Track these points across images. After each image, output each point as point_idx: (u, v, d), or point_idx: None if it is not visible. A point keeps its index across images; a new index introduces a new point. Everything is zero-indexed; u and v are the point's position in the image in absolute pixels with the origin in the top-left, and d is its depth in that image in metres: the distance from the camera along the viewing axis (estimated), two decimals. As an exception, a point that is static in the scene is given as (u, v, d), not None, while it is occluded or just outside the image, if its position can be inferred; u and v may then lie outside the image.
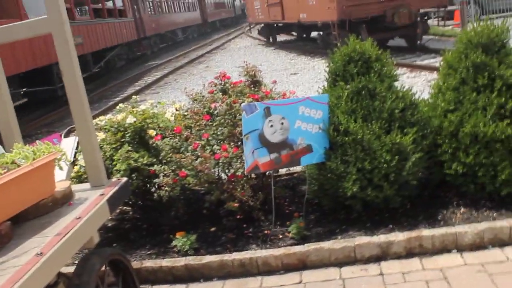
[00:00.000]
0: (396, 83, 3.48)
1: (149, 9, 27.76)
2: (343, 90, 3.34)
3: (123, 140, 3.59)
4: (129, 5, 22.80)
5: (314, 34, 18.64)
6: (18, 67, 10.45)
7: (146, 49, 26.89)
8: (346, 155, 3.16)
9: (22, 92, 11.76)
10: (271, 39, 24.34)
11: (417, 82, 9.41)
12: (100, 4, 18.23)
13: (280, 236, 3.29)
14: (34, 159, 2.21)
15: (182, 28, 36.93)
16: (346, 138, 3.16)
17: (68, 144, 3.37)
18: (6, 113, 2.69)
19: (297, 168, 4.01)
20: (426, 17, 14.42)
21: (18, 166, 2.14)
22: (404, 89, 3.47)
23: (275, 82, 4.06)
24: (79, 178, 3.40)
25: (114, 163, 3.43)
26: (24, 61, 10.74)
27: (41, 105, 13.33)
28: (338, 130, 3.22)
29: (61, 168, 2.58)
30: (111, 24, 19.11)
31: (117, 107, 3.97)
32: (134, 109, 3.75)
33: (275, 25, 22.39)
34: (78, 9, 16.22)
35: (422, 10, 13.84)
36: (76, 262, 2.40)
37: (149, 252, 3.38)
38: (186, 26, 38.14)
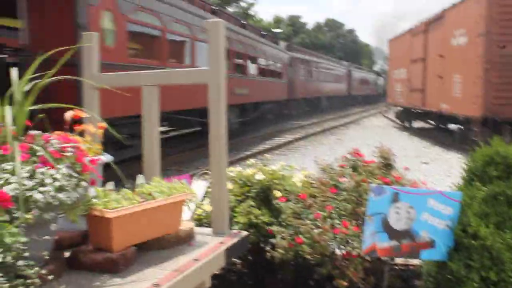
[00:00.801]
0: (538, 195, 3.27)
1: (301, 75, 31.62)
2: (479, 191, 3.19)
3: (248, 194, 3.70)
4: (285, 69, 26.74)
5: (452, 126, 18.11)
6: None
7: (293, 110, 30.36)
8: (470, 259, 2.98)
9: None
10: (406, 123, 24.01)
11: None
12: (265, 65, 22.23)
13: (384, 327, 3.15)
14: (168, 195, 2.37)
15: (327, 96, 40.31)
16: (474, 242, 2.99)
17: (198, 187, 3.55)
18: (152, 146, 2.92)
19: (414, 261, 3.84)
20: None
21: (154, 198, 2.30)
22: (546, 203, 3.24)
23: (407, 168, 3.99)
24: (200, 222, 3.53)
25: (235, 214, 3.54)
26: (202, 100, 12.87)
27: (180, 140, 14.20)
28: (466, 232, 3.06)
29: (189, 209, 2.73)
30: (271, 83, 23.29)
31: (248, 162, 4.12)
32: (264, 167, 3.86)
33: (413, 110, 22.10)
34: (249, 66, 19.90)
35: None
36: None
37: (249, 309, 3.41)
38: (331, 95, 41.73)
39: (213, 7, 17.75)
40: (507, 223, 3.04)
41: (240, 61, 18.50)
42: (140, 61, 10.91)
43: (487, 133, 12.11)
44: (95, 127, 2.51)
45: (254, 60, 20.50)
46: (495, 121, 12.68)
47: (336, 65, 45.59)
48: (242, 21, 21.81)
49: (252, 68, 20.23)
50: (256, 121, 21.73)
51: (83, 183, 1.96)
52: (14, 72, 2.06)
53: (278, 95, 24.94)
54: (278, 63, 25.03)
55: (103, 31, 9.23)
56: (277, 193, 3.59)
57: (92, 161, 2.09)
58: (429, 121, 22.26)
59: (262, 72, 21.78)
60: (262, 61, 21.82)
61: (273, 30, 38.76)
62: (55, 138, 2.02)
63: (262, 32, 25.42)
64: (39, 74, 2.12)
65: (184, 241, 2.47)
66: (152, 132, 2.91)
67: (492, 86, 12.72)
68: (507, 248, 2.91)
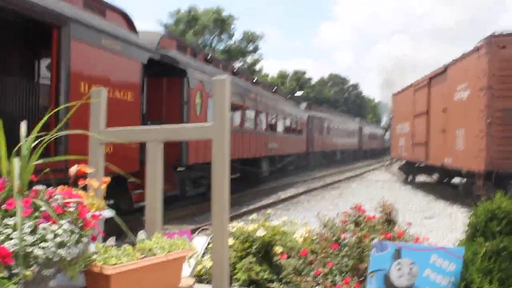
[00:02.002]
0: (542, 252, 3.24)
1: (318, 131, 36.39)
2: (481, 247, 3.17)
3: (249, 250, 3.67)
4: (304, 126, 31.60)
5: (456, 180, 18.08)
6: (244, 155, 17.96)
7: (311, 162, 35.04)
8: (475, 317, 2.94)
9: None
10: (410, 177, 23.98)
11: None
12: (289, 124, 27.19)
13: None
14: (169, 251, 2.37)
15: (341, 150, 45.91)
16: (478, 299, 2.96)
17: (199, 243, 3.54)
18: (156, 201, 2.93)
19: (418, 319, 3.78)
20: None
21: (154, 254, 2.31)
22: (551, 259, 3.21)
23: (410, 224, 3.98)
24: (200, 278, 3.50)
25: (236, 271, 3.51)
26: (247, 152, 18.55)
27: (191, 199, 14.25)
28: (470, 288, 3.03)
29: (189, 265, 2.72)
30: (293, 138, 28.09)
31: (250, 218, 4.12)
32: (266, 222, 3.86)
33: (417, 164, 22.11)
34: (278, 125, 24.80)
35: None
36: None
37: None
38: (344, 149, 47.35)
39: (254, 80, 23.50)
40: (511, 280, 3.01)
41: (272, 121, 23.66)
42: (212, 124, 15.21)
43: (491, 187, 12.08)
44: (99, 182, 2.54)
45: (281, 120, 25.52)
46: (498, 175, 12.67)
47: (349, 121, 51.08)
48: (273, 88, 27.31)
49: (280, 127, 25.21)
50: (280, 170, 26.26)
51: (84, 239, 1.97)
52: (23, 127, 2.10)
53: (299, 148, 29.92)
54: (299, 121, 30.04)
55: (196, 105, 13.43)
56: (278, 249, 3.57)
57: (94, 217, 2.11)
58: (432, 175, 22.25)
59: (287, 129, 26.72)
60: (287, 121, 26.85)
61: (296, 94, 43.95)
62: (59, 193, 2.04)
63: (287, 97, 31.31)
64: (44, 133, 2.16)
65: (184, 298, 2.45)
66: (156, 187, 2.94)
67: (495, 140, 12.78)
68: (511, 306, 2.87)
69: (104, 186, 2.60)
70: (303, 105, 35.05)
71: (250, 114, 19.75)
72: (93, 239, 2.12)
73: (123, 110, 9.29)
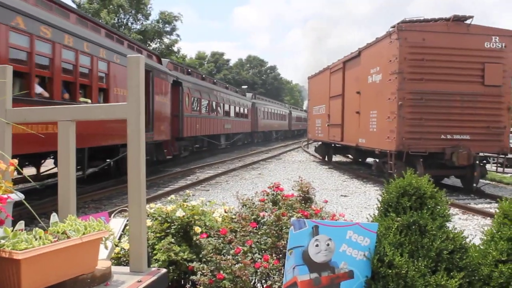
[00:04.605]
0: (448, 224, 3.43)
1: (259, 116, 47.36)
2: (393, 222, 3.31)
3: (168, 231, 3.64)
4: (249, 111, 42.75)
5: (370, 160, 18.77)
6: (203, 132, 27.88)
7: (255, 139, 47.86)
8: (387, 287, 3.07)
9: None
10: (326, 158, 24.64)
11: (469, 225, 9.19)
12: (238, 110, 37.50)
13: None
14: (84, 233, 2.28)
15: (276, 130, 59.58)
16: (390, 271, 3.08)
17: (116, 225, 3.45)
18: (69, 184, 2.81)
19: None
20: (484, 161, 14.39)
21: (68, 237, 2.21)
22: (456, 231, 3.40)
23: (326, 202, 4.09)
24: (118, 260, 3.43)
25: (155, 252, 3.46)
26: (212, 131, 29.47)
27: (98, 178, 13.86)
28: (382, 261, 3.15)
29: (106, 247, 2.63)
30: (241, 121, 38.82)
31: (169, 198, 4.07)
32: (184, 203, 3.83)
33: (333, 145, 22.73)
34: (231, 111, 35.01)
35: (481, 154, 13.83)
36: None
37: None
38: (279, 129, 61.24)
39: (214, 81, 33.92)
40: (420, 251, 3.16)
41: (227, 108, 33.56)
42: (193, 112, 24.75)
43: (401, 165, 12.68)
44: (6, 164, 2.39)
45: (233, 107, 35.40)
46: (409, 154, 13.28)
47: (281, 107, 64.13)
48: (226, 85, 38.01)
49: (232, 112, 35.33)
50: (232, 146, 37.40)
51: (-10, 223, 1.86)
52: None
53: (246, 129, 41.22)
54: (245, 108, 40.80)
55: (186, 101, 23.45)
56: (198, 229, 3.55)
57: (1, 199, 1.99)
58: (348, 155, 22.97)
59: (237, 114, 37.12)
60: (237, 108, 37.09)
61: (242, 87, 55.77)
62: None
63: (236, 89, 42.74)
64: None
65: (100, 281, 2.37)
66: (69, 169, 2.81)
67: (405, 122, 13.35)
68: (420, 275, 3.02)
69: (12, 169, 2.44)
70: (249, 95, 46.53)
71: (213, 105, 29.64)
72: (1, 223, 2.00)
73: (166, 108, 19.10)
